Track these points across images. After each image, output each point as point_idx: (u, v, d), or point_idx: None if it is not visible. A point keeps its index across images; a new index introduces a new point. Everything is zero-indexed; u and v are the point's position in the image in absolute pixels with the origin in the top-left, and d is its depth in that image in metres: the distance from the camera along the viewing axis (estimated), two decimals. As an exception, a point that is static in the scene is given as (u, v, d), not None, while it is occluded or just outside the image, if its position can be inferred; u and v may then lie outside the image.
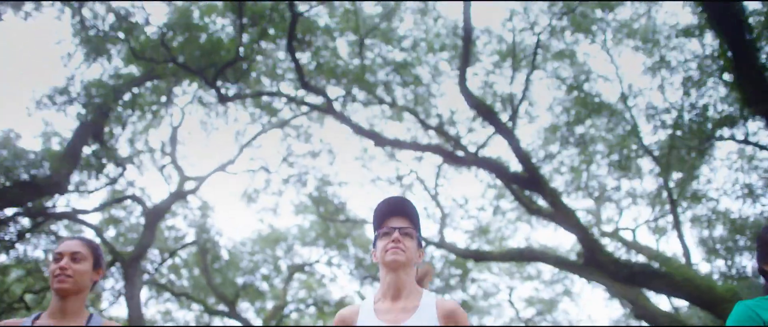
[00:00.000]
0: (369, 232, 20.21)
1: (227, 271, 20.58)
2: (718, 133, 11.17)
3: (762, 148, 10.87)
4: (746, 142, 10.80)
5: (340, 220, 19.95)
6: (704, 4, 8.27)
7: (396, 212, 2.50)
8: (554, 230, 27.32)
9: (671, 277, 12.31)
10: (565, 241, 26.11)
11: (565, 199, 19.09)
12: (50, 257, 2.79)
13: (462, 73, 12.07)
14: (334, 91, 12.67)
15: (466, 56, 12.10)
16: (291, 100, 12.47)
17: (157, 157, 16.63)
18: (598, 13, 13.43)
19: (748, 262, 16.40)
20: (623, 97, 17.42)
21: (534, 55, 13.63)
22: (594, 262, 12.75)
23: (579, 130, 15.85)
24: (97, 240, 9.94)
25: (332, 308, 24.28)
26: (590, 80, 16.51)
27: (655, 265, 20.27)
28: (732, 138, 11.02)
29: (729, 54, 8.70)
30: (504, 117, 13.34)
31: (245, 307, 22.45)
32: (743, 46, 8.54)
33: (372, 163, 16.86)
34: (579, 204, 20.39)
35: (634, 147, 15.56)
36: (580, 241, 12.90)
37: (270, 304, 22.46)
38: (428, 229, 20.64)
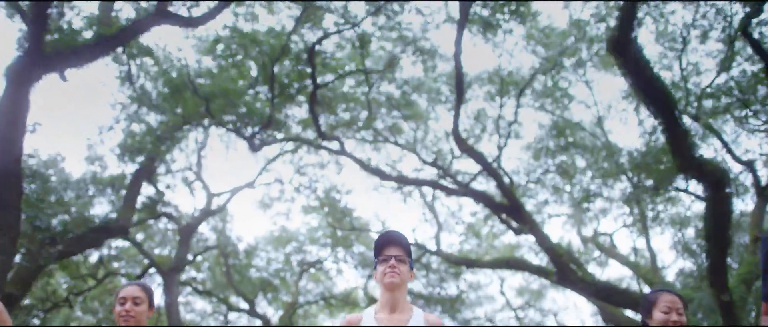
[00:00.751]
0: (372, 231, 22.63)
1: (245, 272, 22.94)
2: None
3: (697, 197, 13.11)
4: (687, 192, 13.07)
5: (347, 228, 22.22)
6: (635, 88, 10.40)
7: (392, 242, 3.04)
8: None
9: (629, 294, 14.72)
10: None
11: (548, 208, 21.62)
12: (117, 299, 3.44)
13: (455, 121, 14.25)
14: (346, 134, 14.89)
15: (458, 107, 14.27)
16: (311, 144, 14.71)
17: (186, 176, 18.83)
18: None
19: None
20: (600, 121, 19.76)
21: (520, 92, 15.90)
22: (564, 280, 15.15)
23: (560, 157, 18.13)
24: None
25: (339, 301, 26.76)
26: (569, 107, 18.81)
27: (626, 269, 22.85)
28: (676, 189, 13.30)
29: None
30: (493, 141, 15.74)
31: (263, 304, 24.86)
32: (672, 120, 10.79)
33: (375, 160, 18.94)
34: (562, 209, 22.69)
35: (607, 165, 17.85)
36: (552, 261, 15.27)
37: (285, 300, 24.85)
38: (426, 232, 22.76)
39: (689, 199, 18.60)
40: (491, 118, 17.51)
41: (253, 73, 12.37)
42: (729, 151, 16.60)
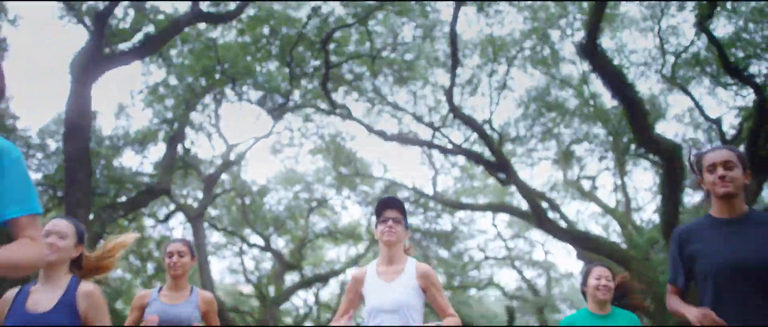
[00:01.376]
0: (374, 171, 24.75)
1: (259, 211, 25.31)
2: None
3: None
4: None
5: (352, 171, 24.39)
6: (603, 80, 12.25)
7: (390, 206, 3.41)
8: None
9: (597, 240, 17.10)
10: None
11: (537, 154, 23.75)
12: (166, 252, 4.15)
13: (450, 91, 16.09)
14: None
15: (452, 78, 16.06)
16: (323, 111, 16.57)
17: (207, 129, 20.76)
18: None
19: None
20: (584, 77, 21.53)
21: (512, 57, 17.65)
22: (542, 226, 17.50)
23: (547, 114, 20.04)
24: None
25: (343, 234, 29.36)
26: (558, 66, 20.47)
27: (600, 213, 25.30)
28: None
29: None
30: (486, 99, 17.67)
31: (275, 239, 27.46)
32: (634, 108, 12.73)
33: (378, 121, 20.77)
34: (549, 153, 24.76)
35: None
36: (532, 210, 17.56)
37: (295, 234, 27.44)
38: (424, 176, 24.85)
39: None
40: (485, 79, 19.27)
41: (273, 52, 14.07)
42: (699, 108, 18.57)
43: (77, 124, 11.19)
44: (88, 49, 10.88)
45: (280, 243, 27.34)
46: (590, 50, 11.08)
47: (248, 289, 29.47)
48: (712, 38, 12.92)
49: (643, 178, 34.31)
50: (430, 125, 17.75)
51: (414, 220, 27.23)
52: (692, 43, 16.34)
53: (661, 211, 14.79)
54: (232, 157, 21.02)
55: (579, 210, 33.04)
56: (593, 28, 10.74)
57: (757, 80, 14.49)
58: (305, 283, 25.39)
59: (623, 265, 16.86)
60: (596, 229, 26.98)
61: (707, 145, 20.09)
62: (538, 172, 75.29)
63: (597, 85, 19.00)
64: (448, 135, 18.15)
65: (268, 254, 25.91)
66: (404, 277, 3.29)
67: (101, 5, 10.58)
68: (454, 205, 22.59)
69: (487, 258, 33.08)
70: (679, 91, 18.48)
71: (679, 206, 14.79)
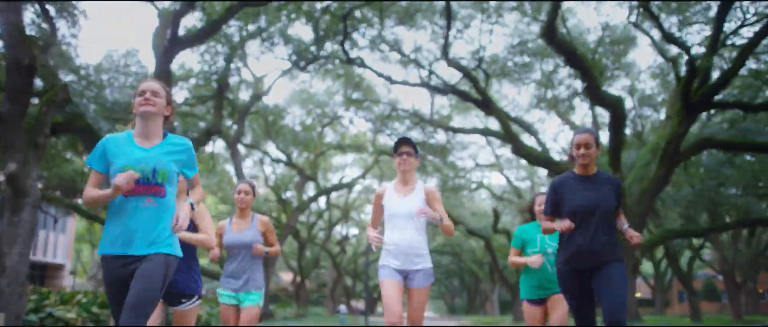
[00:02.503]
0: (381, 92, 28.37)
1: (280, 129, 29.26)
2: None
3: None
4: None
5: (361, 91, 27.98)
6: (562, 56, 15.87)
7: (405, 143, 4.38)
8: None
9: (559, 164, 21.32)
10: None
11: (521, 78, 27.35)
12: (236, 190, 5.07)
13: (445, 47, 19.57)
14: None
15: (447, 30, 19.47)
16: (342, 61, 20.11)
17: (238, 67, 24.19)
18: None
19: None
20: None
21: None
22: (517, 152, 21.64)
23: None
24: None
25: (351, 146, 33.48)
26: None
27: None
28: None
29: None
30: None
31: (294, 155, 31.65)
32: (588, 75, 16.43)
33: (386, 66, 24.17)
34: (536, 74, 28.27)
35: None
36: (509, 139, 21.61)
37: (311, 147, 31.59)
38: (423, 104, 28.56)
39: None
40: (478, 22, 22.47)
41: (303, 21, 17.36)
42: (665, 36, 21.67)
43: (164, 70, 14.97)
44: (170, 34, 14.43)
45: (299, 159, 31.55)
46: (549, 35, 14.62)
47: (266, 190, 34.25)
48: (652, 15, 16.33)
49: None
50: (428, 68, 21.37)
51: (414, 135, 31.31)
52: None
53: (609, 144, 18.85)
54: (260, 88, 24.66)
55: (559, 131, 36.70)
56: (551, 20, 14.24)
57: (689, 44, 18.08)
58: (322, 193, 29.89)
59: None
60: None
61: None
62: (524, 95, 78.37)
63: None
64: (443, 75, 21.73)
65: (286, 166, 30.12)
66: (415, 193, 4.31)
67: (178, 5, 14.01)
68: (447, 128, 26.64)
69: (477, 165, 37.58)
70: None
71: (622, 140, 18.92)
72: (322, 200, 36.15)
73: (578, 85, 24.68)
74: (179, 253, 3.21)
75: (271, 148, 31.27)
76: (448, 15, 18.25)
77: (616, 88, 27.28)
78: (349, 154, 35.98)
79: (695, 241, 32.97)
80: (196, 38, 15.03)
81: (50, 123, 10.93)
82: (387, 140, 31.97)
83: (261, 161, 33.93)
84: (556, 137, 30.37)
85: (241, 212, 4.96)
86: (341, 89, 29.47)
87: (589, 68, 16.18)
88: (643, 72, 28.89)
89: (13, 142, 10.25)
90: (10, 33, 9.99)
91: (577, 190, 3.94)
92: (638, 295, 74.33)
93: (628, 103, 33.71)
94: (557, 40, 14.75)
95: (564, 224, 3.83)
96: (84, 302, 12.35)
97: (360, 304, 71.28)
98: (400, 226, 4.20)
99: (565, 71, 23.67)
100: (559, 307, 4.75)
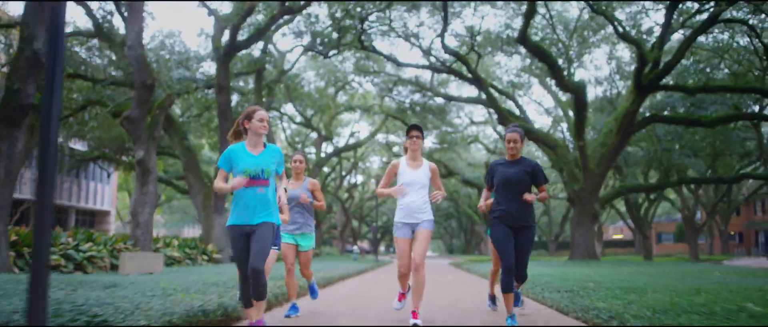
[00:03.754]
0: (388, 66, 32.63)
1: (299, 94, 33.52)
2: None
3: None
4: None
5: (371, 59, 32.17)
6: (535, 56, 20.16)
7: (415, 128, 5.60)
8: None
9: (538, 132, 25.84)
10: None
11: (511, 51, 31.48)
12: (292, 159, 6.03)
13: (443, 31, 23.76)
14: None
15: (445, 23, 23.61)
16: (356, 47, 24.30)
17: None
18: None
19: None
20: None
21: None
22: (502, 122, 26.11)
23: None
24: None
25: (360, 106, 37.81)
26: None
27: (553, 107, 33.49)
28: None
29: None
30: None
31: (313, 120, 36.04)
32: (556, 69, 20.75)
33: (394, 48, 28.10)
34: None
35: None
36: (496, 112, 26.05)
37: (326, 110, 35.99)
38: (425, 72, 33.13)
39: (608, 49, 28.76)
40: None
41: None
42: (618, 34, 25.86)
43: (222, 86, 19.44)
44: (229, 40, 18.69)
45: (314, 119, 36.03)
46: (523, 41, 18.90)
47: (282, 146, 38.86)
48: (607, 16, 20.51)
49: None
50: (428, 51, 25.64)
51: (415, 98, 35.65)
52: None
53: (572, 124, 23.35)
54: (283, 63, 28.84)
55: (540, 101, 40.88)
56: (523, 29, 18.49)
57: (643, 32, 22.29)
58: (337, 153, 34.51)
59: (552, 149, 25.89)
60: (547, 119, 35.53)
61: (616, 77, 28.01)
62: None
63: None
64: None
65: (305, 127, 34.62)
66: (422, 169, 5.63)
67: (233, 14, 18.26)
68: (445, 97, 31.02)
69: (472, 122, 42.03)
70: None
71: (584, 116, 23.41)
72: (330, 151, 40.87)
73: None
74: (278, 222, 4.57)
75: (288, 108, 35.60)
76: (445, 9, 22.35)
77: (596, 54, 31.44)
78: (357, 112, 40.38)
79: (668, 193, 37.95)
80: (247, 43, 19.34)
81: (162, 121, 15.43)
82: (392, 103, 36.34)
83: (280, 118, 38.36)
84: (540, 101, 34.39)
85: (295, 175, 6.15)
86: (352, 57, 33.49)
87: (554, 63, 20.51)
88: (618, 44, 32.94)
89: (139, 136, 14.83)
90: (138, 61, 14.39)
91: (504, 170, 5.48)
92: (620, 236, 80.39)
93: (607, 70, 38.10)
94: (529, 45, 19.04)
95: (484, 204, 5.68)
96: (180, 244, 17.28)
97: (364, 245, 77.49)
98: (411, 190, 5.52)
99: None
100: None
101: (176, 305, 4.88)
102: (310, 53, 31.33)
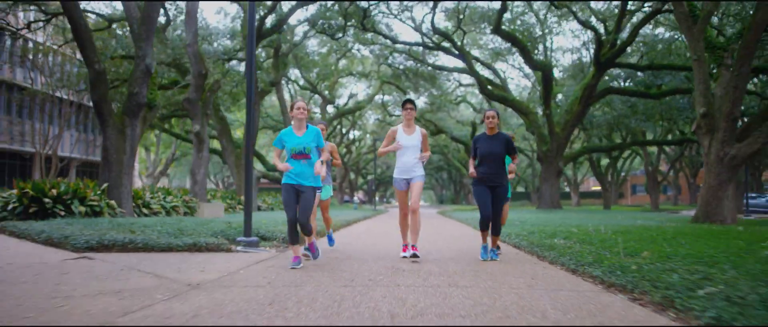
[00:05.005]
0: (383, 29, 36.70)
1: (308, 63, 37.47)
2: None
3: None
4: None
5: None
6: (511, 43, 24.36)
7: (409, 102, 6.69)
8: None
9: (514, 101, 30.21)
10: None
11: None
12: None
13: (433, 15, 27.83)
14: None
15: (434, 7, 27.65)
16: (359, 29, 28.33)
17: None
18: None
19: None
20: None
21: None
22: (483, 92, 30.44)
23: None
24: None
25: (359, 73, 41.88)
26: None
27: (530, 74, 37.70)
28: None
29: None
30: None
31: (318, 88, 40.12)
32: (526, 55, 25.00)
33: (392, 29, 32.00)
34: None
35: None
36: (477, 83, 30.33)
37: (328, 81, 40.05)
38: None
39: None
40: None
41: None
42: (579, 21, 30.10)
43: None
44: (256, 28, 22.76)
45: (319, 84, 40.18)
46: (497, 30, 23.07)
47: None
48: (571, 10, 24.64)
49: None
50: (419, 28, 29.72)
51: (409, 64, 39.74)
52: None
53: (541, 97, 27.70)
54: (292, 37, 32.76)
55: (521, 66, 44.90)
56: (497, 21, 22.66)
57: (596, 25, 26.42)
58: (340, 115, 38.79)
59: (525, 115, 30.36)
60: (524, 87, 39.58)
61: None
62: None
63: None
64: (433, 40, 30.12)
65: (311, 92, 38.82)
66: (415, 134, 6.87)
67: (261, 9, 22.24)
68: (435, 67, 35.21)
69: (460, 84, 46.19)
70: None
71: (550, 89, 27.82)
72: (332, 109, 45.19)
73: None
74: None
75: (294, 72, 39.64)
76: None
77: (571, 25, 35.63)
78: (356, 76, 44.48)
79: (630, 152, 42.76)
80: (271, 31, 23.41)
81: (211, 101, 19.72)
82: (387, 70, 40.43)
83: (286, 83, 42.43)
84: (521, 66, 38.68)
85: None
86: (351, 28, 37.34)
87: (524, 47, 24.73)
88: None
89: (197, 113, 19.16)
90: (195, 56, 18.58)
91: (484, 143, 6.75)
92: (598, 188, 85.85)
93: (585, 37, 41.90)
94: (502, 33, 23.26)
95: (471, 172, 6.90)
96: (223, 195, 21.87)
97: (360, 195, 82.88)
98: (406, 152, 6.77)
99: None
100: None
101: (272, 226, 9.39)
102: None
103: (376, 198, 52.02)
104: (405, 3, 28.93)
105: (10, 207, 11.56)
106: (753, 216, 25.94)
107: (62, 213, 11.59)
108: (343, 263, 6.31)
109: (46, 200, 11.66)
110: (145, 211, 14.89)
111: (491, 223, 6.72)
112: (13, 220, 11.20)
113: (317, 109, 41.70)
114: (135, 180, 44.96)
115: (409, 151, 6.74)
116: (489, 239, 6.87)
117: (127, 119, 13.87)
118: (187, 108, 19.11)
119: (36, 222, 10.30)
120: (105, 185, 13.51)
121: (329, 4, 25.69)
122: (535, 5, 29.63)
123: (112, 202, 13.02)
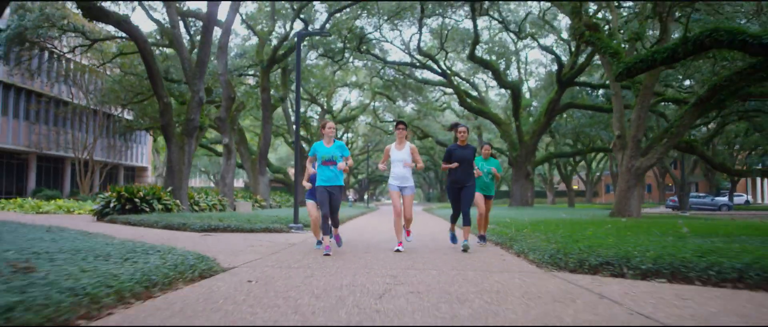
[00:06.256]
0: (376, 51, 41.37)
1: (308, 76, 41.86)
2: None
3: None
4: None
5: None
6: (476, 64, 29.02)
7: (401, 123, 8.29)
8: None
9: (489, 112, 34.86)
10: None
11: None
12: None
13: (419, 37, 32.43)
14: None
15: (420, 28, 32.21)
16: (356, 50, 32.85)
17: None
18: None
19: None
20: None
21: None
22: (463, 104, 35.03)
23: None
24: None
25: (353, 84, 46.38)
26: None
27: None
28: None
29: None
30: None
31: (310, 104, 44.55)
32: (494, 71, 29.67)
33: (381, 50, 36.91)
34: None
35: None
36: (457, 96, 34.93)
37: (325, 92, 44.48)
38: (406, 57, 41.84)
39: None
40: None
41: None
42: (542, 47, 34.83)
43: (264, 87, 28.06)
44: (271, 55, 27.21)
45: (318, 95, 44.65)
46: (471, 56, 27.67)
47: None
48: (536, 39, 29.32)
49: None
50: (407, 50, 34.27)
51: (399, 77, 44.30)
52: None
53: (511, 107, 32.31)
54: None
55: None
56: (471, 50, 27.27)
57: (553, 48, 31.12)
58: (336, 122, 43.25)
59: (499, 126, 35.04)
60: (503, 94, 44.36)
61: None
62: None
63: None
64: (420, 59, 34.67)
65: (310, 103, 43.33)
66: (405, 149, 8.23)
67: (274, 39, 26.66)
68: (422, 82, 39.86)
69: (444, 93, 50.83)
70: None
71: (519, 105, 32.52)
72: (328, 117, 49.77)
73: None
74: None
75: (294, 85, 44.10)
76: (421, 18, 30.86)
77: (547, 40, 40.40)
78: (350, 87, 49.02)
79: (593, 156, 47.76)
80: (283, 56, 27.84)
81: (237, 119, 24.18)
82: (378, 81, 44.98)
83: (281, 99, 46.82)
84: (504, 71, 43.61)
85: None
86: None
87: (496, 70, 29.37)
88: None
89: (225, 129, 23.60)
90: (226, 84, 23.02)
91: (457, 152, 8.25)
92: (576, 187, 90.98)
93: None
94: (476, 59, 27.88)
95: (452, 165, 8.27)
96: (243, 195, 26.34)
97: (351, 193, 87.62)
98: (398, 165, 8.19)
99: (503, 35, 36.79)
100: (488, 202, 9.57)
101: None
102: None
103: (366, 197, 56.81)
104: (396, 29, 33.56)
105: (111, 204, 15.99)
106: (687, 213, 30.86)
107: (147, 209, 16.02)
108: (359, 245, 10.82)
109: (136, 200, 16.10)
110: (195, 208, 19.33)
111: (461, 215, 8.39)
112: (114, 214, 15.60)
113: (315, 117, 46.36)
114: (147, 179, 49.20)
115: (401, 164, 8.21)
116: (459, 231, 9.66)
117: (185, 138, 18.31)
118: (218, 125, 23.54)
119: (132, 216, 14.71)
120: (170, 188, 17.95)
121: (331, 38, 30.28)
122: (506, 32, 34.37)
123: (177, 201, 17.47)
